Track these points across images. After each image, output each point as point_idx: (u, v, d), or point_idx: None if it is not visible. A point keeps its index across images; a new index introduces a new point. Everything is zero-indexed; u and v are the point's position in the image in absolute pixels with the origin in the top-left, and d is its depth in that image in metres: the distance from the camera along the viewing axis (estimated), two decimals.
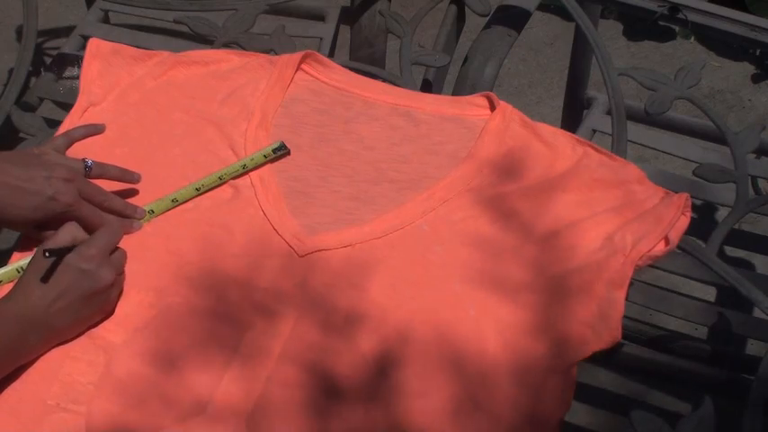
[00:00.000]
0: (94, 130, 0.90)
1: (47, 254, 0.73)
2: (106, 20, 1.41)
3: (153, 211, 0.84)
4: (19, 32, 1.04)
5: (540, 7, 1.18)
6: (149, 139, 0.91)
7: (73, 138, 0.87)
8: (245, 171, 0.88)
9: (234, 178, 0.88)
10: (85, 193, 0.79)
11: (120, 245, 0.82)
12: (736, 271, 0.88)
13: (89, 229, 0.80)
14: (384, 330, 0.77)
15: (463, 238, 0.84)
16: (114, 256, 0.77)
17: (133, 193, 0.86)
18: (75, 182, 0.79)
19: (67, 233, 0.76)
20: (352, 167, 0.90)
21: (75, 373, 0.73)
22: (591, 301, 0.79)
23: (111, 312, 0.77)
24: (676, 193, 0.86)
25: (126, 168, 0.86)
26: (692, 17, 1.07)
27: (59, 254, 0.73)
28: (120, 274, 0.78)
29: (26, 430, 0.71)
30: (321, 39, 1.38)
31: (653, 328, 1.08)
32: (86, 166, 0.82)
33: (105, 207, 0.81)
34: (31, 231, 0.79)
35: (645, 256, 0.81)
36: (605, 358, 0.77)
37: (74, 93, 0.95)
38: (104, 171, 0.84)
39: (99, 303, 0.75)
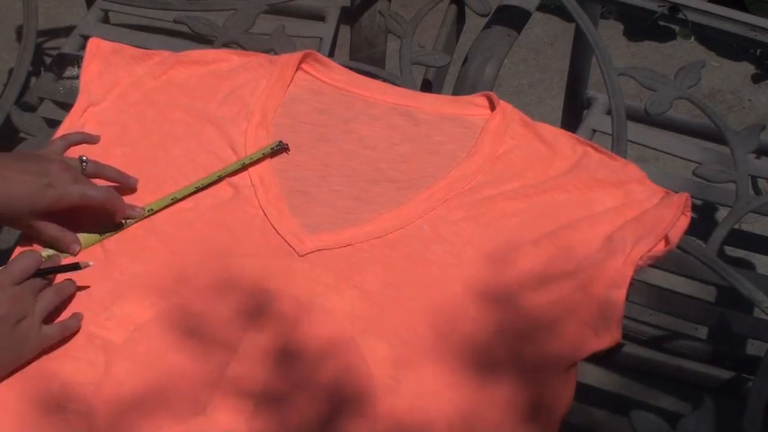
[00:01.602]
0: (90, 138, 0.89)
1: None
2: (106, 20, 1.42)
3: (152, 210, 0.84)
4: (19, 32, 1.04)
5: (540, 7, 1.18)
6: (149, 138, 0.91)
7: (70, 142, 0.87)
8: (243, 168, 0.88)
9: (233, 176, 0.88)
10: (81, 183, 0.79)
11: (121, 244, 0.82)
12: (736, 271, 0.88)
13: (92, 212, 0.79)
14: (383, 330, 0.77)
15: (463, 238, 0.84)
16: (26, 285, 0.72)
17: (133, 192, 0.86)
18: (71, 172, 0.79)
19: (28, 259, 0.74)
20: (352, 167, 0.90)
21: (75, 373, 0.73)
22: (591, 301, 0.79)
23: (21, 363, 0.73)
24: (676, 193, 0.86)
25: (124, 172, 0.85)
26: (692, 17, 1.07)
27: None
28: (33, 315, 0.72)
29: (26, 430, 0.71)
30: (321, 39, 1.38)
31: (653, 328, 1.08)
32: (82, 161, 0.82)
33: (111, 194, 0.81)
34: (30, 227, 0.79)
35: (645, 256, 0.81)
36: (605, 358, 0.77)
37: (74, 93, 0.95)
38: (101, 170, 0.84)
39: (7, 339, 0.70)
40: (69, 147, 0.86)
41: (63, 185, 0.77)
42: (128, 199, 0.85)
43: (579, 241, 0.83)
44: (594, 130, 1.28)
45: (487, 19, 1.14)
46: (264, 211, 0.85)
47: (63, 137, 0.87)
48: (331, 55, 1.35)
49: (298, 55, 0.97)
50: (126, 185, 0.85)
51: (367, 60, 1.18)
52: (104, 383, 0.73)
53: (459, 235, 0.84)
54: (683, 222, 0.85)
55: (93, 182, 0.82)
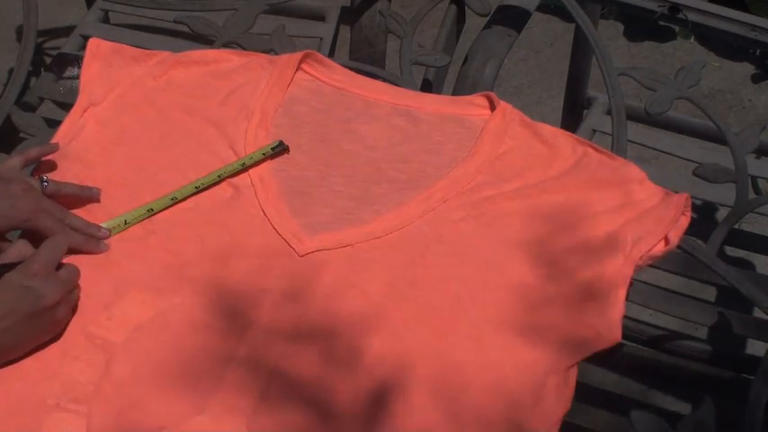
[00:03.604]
0: (50, 149, 0.87)
1: None
2: (106, 20, 1.42)
3: (152, 210, 0.84)
4: (19, 32, 1.05)
5: (540, 7, 1.18)
6: (149, 138, 0.91)
7: (28, 157, 0.84)
8: (243, 169, 0.88)
9: (233, 176, 0.88)
10: (45, 207, 0.79)
11: (121, 244, 0.82)
12: (736, 271, 0.88)
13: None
14: (383, 331, 0.77)
15: (463, 238, 0.84)
16: (62, 272, 0.74)
17: (133, 192, 0.86)
18: (34, 193, 0.78)
19: (16, 250, 0.75)
20: (352, 167, 0.90)
21: (75, 373, 0.73)
22: (591, 300, 0.79)
23: (60, 332, 0.75)
24: (676, 193, 0.86)
25: (83, 185, 0.84)
26: (692, 17, 1.07)
27: (1, 271, 0.71)
28: (71, 291, 0.75)
29: (26, 430, 0.71)
30: (321, 39, 1.38)
31: (653, 328, 1.08)
32: (43, 182, 0.81)
33: (65, 224, 0.80)
34: None
35: (645, 256, 0.81)
36: (605, 358, 0.78)
37: (74, 93, 0.95)
38: (61, 188, 0.82)
39: (44, 323, 0.72)
40: (28, 163, 0.84)
41: (27, 206, 0.77)
42: (127, 199, 0.85)
43: (579, 241, 0.83)
44: (594, 130, 1.28)
45: (487, 19, 1.14)
46: (264, 211, 0.85)
47: (20, 153, 0.85)
48: (331, 55, 1.35)
49: (298, 55, 0.97)
50: (88, 198, 0.84)
51: (367, 60, 1.18)
52: (104, 383, 0.73)
53: (460, 235, 0.84)
54: (683, 222, 0.85)
55: (57, 204, 0.81)
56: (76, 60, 1.15)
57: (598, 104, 1.35)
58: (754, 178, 1.45)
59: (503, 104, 0.94)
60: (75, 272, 0.76)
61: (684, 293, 1.10)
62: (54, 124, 0.94)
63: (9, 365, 0.73)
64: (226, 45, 1.06)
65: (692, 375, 1.01)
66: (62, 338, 0.75)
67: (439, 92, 1.20)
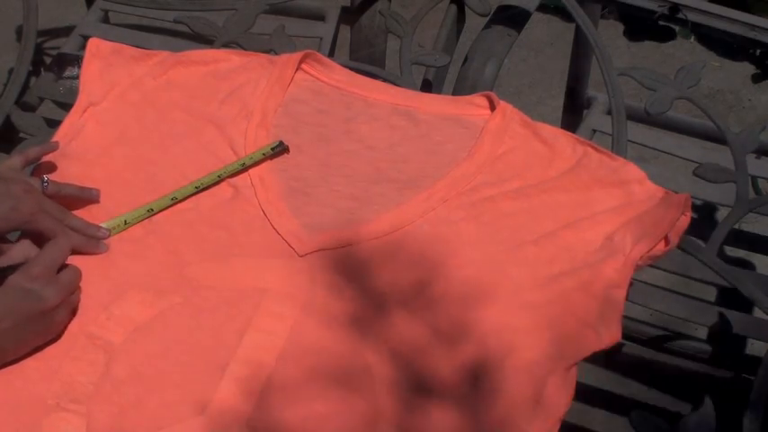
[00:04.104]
0: (50, 147, 0.86)
1: None
2: (106, 20, 1.42)
3: (152, 210, 0.84)
4: (19, 32, 1.05)
5: (540, 7, 1.18)
6: (149, 138, 0.91)
7: (29, 157, 0.84)
8: (243, 169, 0.88)
9: (233, 176, 0.88)
10: (46, 208, 0.79)
11: (121, 244, 0.82)
12: (736, 271, 0.88)
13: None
14: (383, 331, 0.77)
15: (463, 238, 0.84)
16: (63, 274, 0.74)
17: (133, 192, 0.86)
18: (34, 194, 0.78)
19: (20, 251, 0.75)
20: (352, 167, 0.90)
21: (75, 373, 0.73)
22: (591, 301, 0.79)
23: (60, 333, 0.75)
24: (676, 193, 0.86)
25: (83, 186, 0.84)
26: (692, 17, 1.07)
27: (3, 273, 0.71)
28: (72, 293, 0.75)
29: (26, 430, 0.71)
30: (321, 39, 1.38)
31: (653, 328, 1.08)
32: (43, 182, 0.81)
33: (65, 225, 0.80)
34: None
35: (645, 256, 0.81)
36: (605, 358, 0.78)
37: (74, 93, 0.95)
38: (60, 189, 0.82)
39: (44, 325, 0.73)
40: (28, 163, 0.84)
41: (28, 208, 0.77)
42: (127, 199, 0.85)
43: (579, 241, 0.83)
44: (594, 130, 1.28)
45: (487, 19, 1.14)
46: (264, 211, 0.85)
47: (20, 153, 0.85)
48: (331, 55, 1.35)
49: (298, 55, 0.98)
50: (88, 199, 0.84)
51: (367, 60, 1.18)
52: (104, 383, 0.73)
53: (460, 235, 0.84)
54: (683, 222, 0.85)
55: (57, 205, 0.81)
56: (76, 60, 1.15)
57: (598, 104, 1.35)
58: (754, 178, 1.45)
59: (503, 104, 0.94)
60: (77, 274, 0.76)
61: (684, 293, 1.10)
62: (54, 124, 0.94)
63: (9, 365, 0.73)
64: (226, 45, 1.06)
65: (691, 375, 1.01)
66: (62, 338, 0.75)
67: (439, 92, 1.20)
